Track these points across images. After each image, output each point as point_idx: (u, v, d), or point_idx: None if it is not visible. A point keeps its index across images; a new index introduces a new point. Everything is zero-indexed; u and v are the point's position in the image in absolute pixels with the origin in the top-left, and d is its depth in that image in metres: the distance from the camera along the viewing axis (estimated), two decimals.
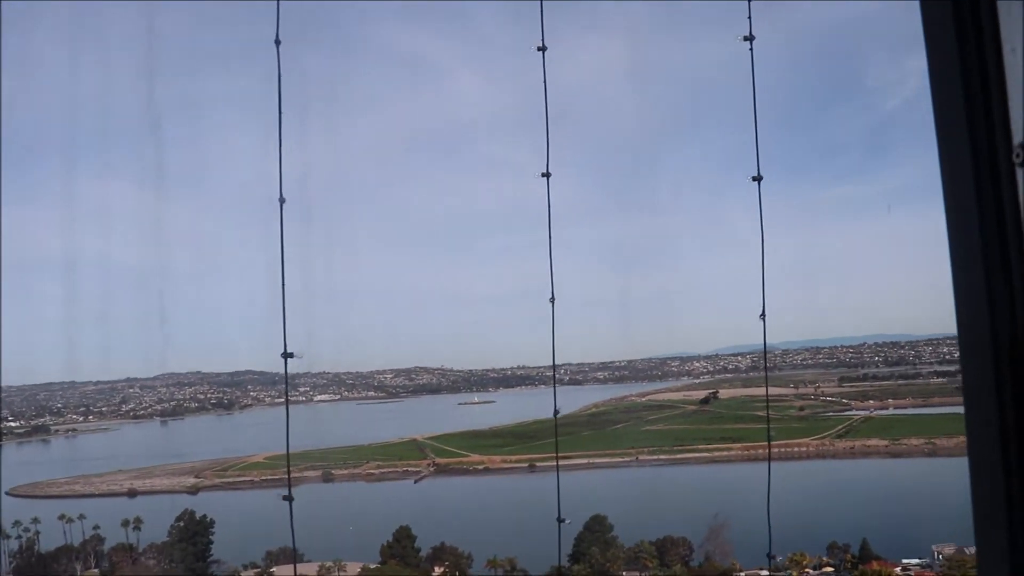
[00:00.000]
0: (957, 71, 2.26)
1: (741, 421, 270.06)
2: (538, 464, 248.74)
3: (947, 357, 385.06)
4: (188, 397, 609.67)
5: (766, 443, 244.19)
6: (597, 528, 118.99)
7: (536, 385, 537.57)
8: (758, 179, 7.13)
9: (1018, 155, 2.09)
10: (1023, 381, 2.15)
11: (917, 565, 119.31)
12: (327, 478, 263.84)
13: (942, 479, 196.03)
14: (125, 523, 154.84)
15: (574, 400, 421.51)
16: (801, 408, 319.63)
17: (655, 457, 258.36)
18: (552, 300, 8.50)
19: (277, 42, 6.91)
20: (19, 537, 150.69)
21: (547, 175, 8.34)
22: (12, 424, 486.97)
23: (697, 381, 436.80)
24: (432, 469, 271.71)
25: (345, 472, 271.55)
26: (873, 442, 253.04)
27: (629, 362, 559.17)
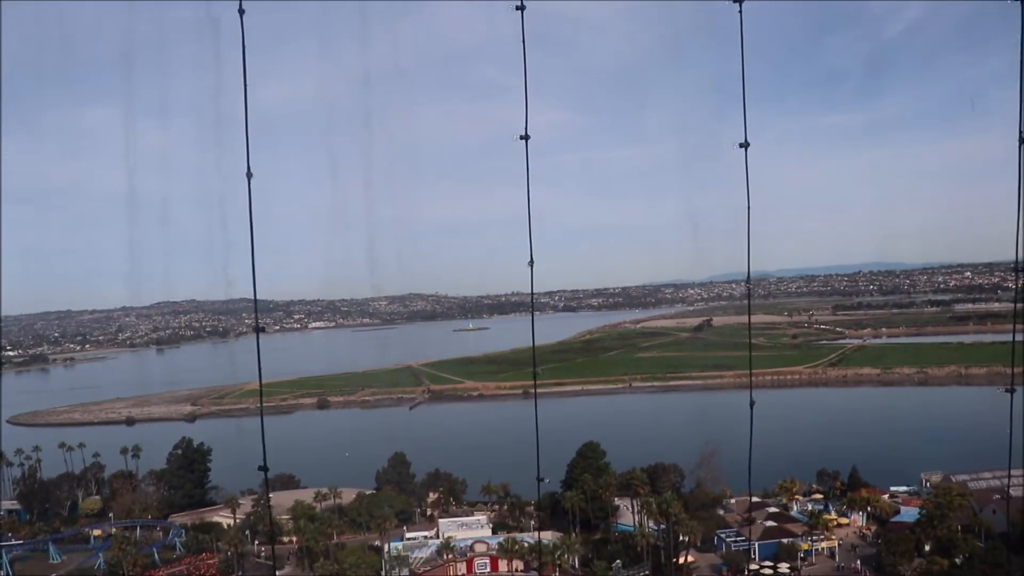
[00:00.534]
0: None
1: (734, 349, 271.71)
2: (532, 391, 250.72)
3: (941, 286, 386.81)
4: (184, 325, 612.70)
5: (757, 371, 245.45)
6: (590, 455, 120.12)
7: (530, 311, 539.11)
8: (745, 145, 6.82)
9: None
10: None
11: (905, 492, 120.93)
12: (322, 405, 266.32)
13: (932, 408, 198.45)
14: (124, 451, 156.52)
15: (568, 327, 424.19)
16: (795, 336, 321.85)
17: (648, 384, 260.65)
18: (530, 246, 8.27)
19: (241, 11, 6.59)
20: (21, 465, 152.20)
21: (526, 136, 8.03)
22: (11, 354, 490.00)
23: (691, 308, 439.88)
24: (427, 395, 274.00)
25: (340, 399, 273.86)
26: (866, 370, 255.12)
27: (623, 288, 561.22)
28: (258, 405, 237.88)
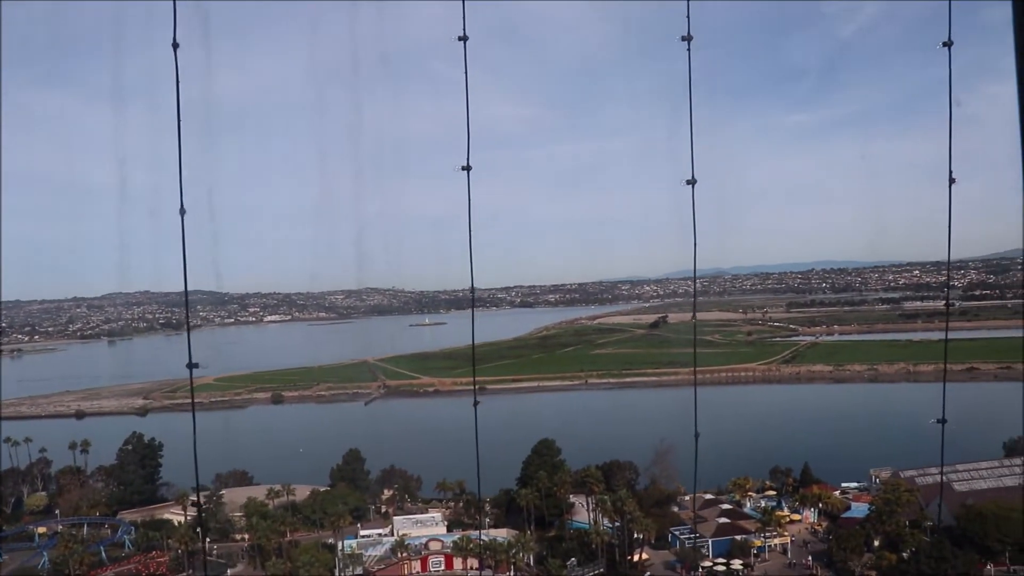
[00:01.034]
0: None
1: (690, 345, 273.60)
2: (488, 387, 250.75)
3: (892, 284, 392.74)
4: (136, 317, 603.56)
5: (712, 368, 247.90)
6: (545, 452, 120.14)
7: (488, 307, 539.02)
8: (692, 182, 6.62)
9: None
10: None
11: (855, 488, 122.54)
12: (277, 400, 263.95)
13: (882, 405, 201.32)
14: (73, 445, 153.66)
15: (525, 322, 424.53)
16: (749, 333, 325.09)
17: (604, 381, 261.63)
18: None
19: (175, 45, 6.22)
20: None
21: (467, 169, 7.72)
22: None
23: (647, 305, 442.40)
24: (382, 391, 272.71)
25: (295, 394, 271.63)
26: (818, 367, 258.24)
27: (581, 285, 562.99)
28: (212, 400, 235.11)
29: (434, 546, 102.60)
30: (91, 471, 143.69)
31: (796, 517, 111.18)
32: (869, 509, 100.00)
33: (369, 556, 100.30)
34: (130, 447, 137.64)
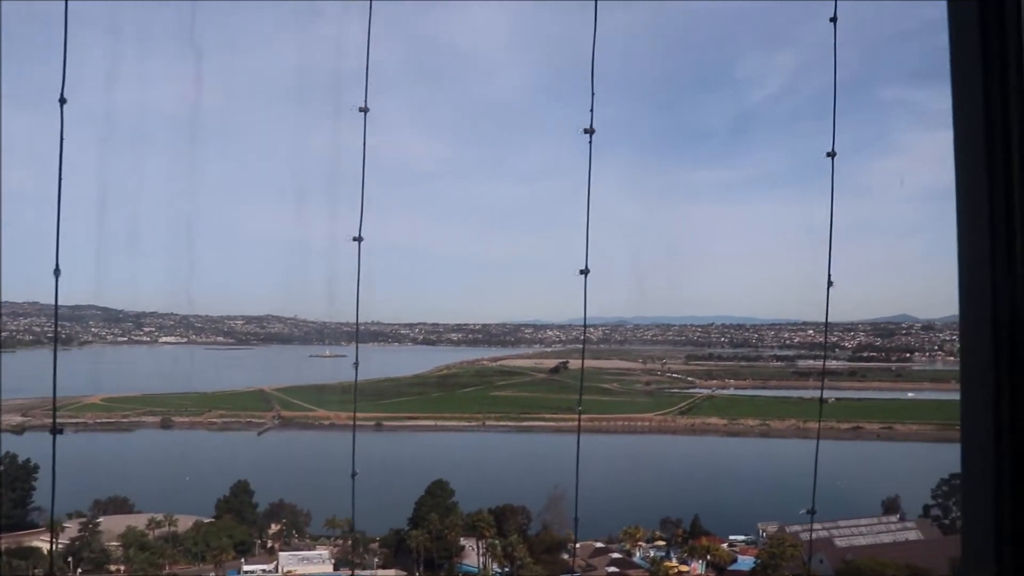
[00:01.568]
0: (979, 70, 2.15)
1: (588, 392, 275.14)
2: (385, 423, 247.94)
3: (786, 342, 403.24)
4: (22, 329, 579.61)
5: (608, 416, 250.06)
6: (439, 493, 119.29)
7: (390, 342, 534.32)
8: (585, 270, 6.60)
9: None
10: (1018, 375, 2.25)
11: (743, 541, 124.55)
12: (166, 424, 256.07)
13: (772, 459, 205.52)
14: None
15: (426, 360, 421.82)
16: (647, 383, 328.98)
17: (502, 423, 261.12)
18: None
19: (62, 101, 5.79)
20: None
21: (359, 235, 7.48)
22: None
23: (549, 349, 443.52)
24: (277, 422, 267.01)
25: (186, 420, 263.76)
26: (713, 420, 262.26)
27: (484, 325, 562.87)
28: (98, 420, 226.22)
29: None
30: None
31: (684, 568, 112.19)
32: (755, 562, 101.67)
33: None
34: (1, 467, 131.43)
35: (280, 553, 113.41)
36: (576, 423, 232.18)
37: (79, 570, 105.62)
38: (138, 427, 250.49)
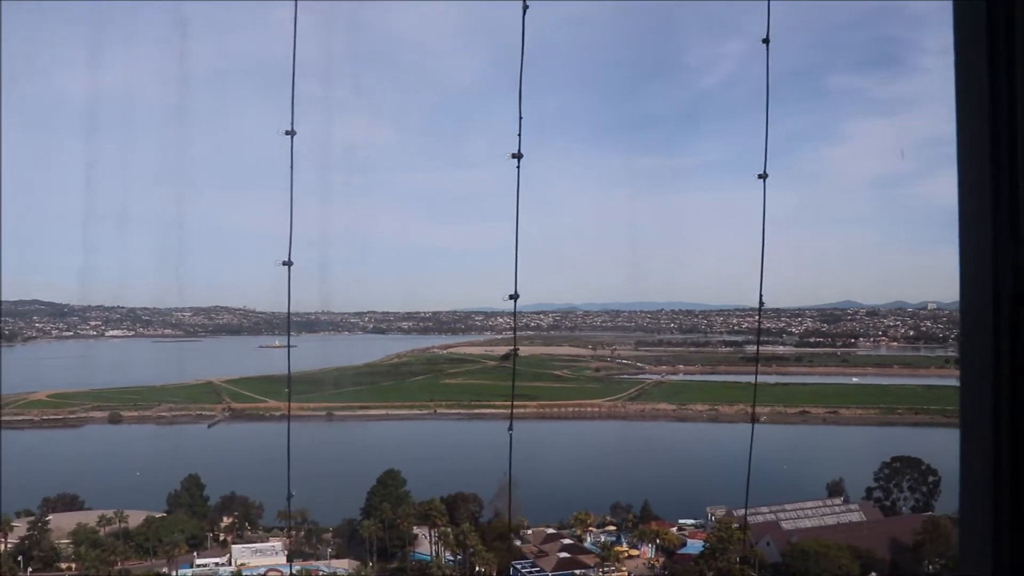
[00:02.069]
0: (984, 68, 2.34)
1: (539, 379, 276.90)
2: (336, 413, 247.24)
3: (735, 328, 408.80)
4: None
5: (559, 403, 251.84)
6: (390, 483, 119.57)
7: (340, 331, 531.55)
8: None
9: None
10: (1018, 361, 2.25)
11: (692, 525, 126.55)
12: (114, 419, 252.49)
13: (720, 444, 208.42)
14: None
15: (377, 349, 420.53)
16: (597, 369, 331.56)
17: (453, 411, 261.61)
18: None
19: None
20: None
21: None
22: None
23: (500, 337, 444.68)
24: (227, 414, 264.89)
25: (135, 414, 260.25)
26: (662, 406, 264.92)
27: (434, 313, 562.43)
28: (45, 417, 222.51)
29: None
30: None
31: (634, 552, 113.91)
32: (703, 546, 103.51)
33: None
34: None
35: (233, 546, 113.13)
36: (527, 410, 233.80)
37: (29, 569, 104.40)
38: (86, 423, 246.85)
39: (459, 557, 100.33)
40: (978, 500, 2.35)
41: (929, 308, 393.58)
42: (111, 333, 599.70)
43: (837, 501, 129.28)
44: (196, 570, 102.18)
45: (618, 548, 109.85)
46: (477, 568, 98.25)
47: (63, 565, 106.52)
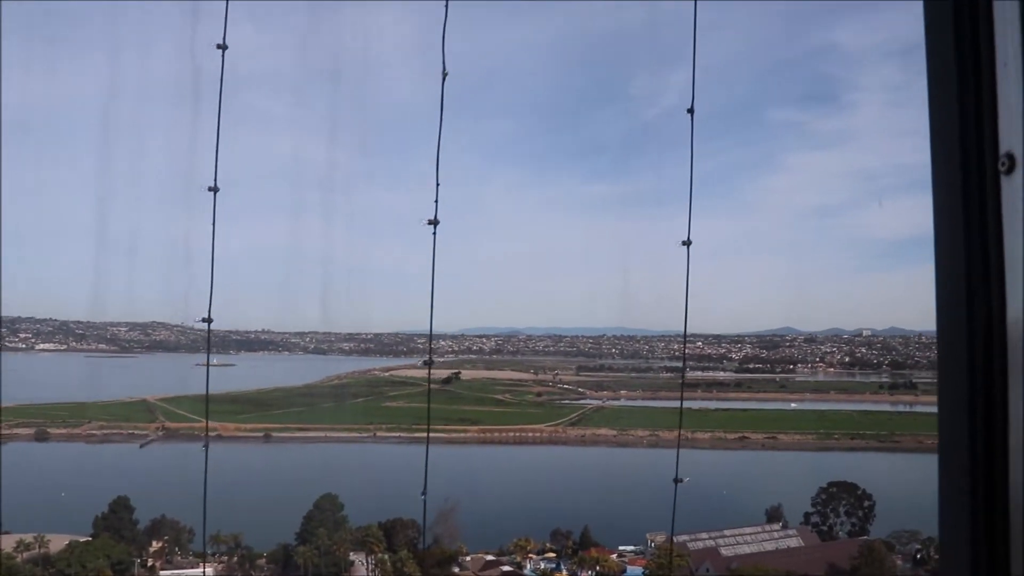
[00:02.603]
0: (954, 77, 2.38)
1: (480, 403, 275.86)
2: (274, 435, 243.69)
3: (676, 353, 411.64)
4: None
5: (501, 427, 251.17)
6: (327, 507, 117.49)
7: (280, 351, 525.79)
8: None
9: (1003, 163, 2.22)
10: (993, 383, 2.25)
11: (632, 552, 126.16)
12: (40, 437, 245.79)
13: (660, 469, 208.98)
14: None
15: (317, 370, 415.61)
16: (539, 394, 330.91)
17: (393, 435, 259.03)
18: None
19: None
20: None
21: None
22: None
23: (442, 360, 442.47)
24: (161, 433, 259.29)
25: (63, 431, 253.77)
26: (603, 431, 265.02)
27: (376, 335, 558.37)
28: None
29: None
30: None
31: None
32: (643, 573, 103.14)
33: None
34: None
35: (161, 572, 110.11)
36: (468, 435, 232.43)
37: None
38: (10, 440, 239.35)
39: None
40: (956, 524, 2.40)
41: (864, 335, 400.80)
42: (42, 347, 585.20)
43: (776, 526, 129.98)
44: None
45: (558, 575, 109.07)
46: None
47: None
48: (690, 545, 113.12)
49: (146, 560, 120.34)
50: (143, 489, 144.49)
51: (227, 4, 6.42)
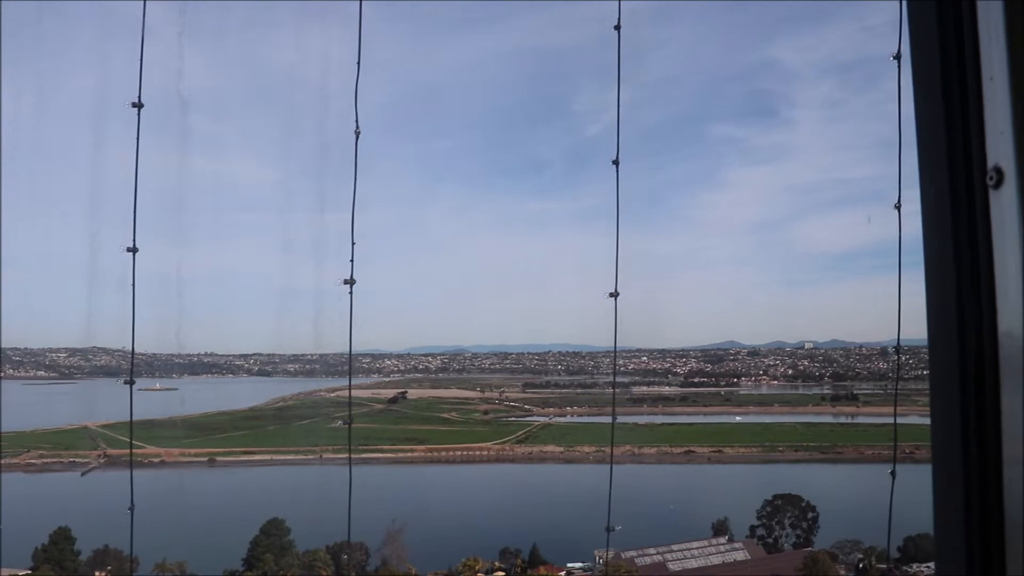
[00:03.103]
0: (940, 92, 2.39)
1: (427, 422, 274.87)
2: (219, 459, 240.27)
3: (621, 369, 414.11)
4: None
5: (448, 446, 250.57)
6: (274, 532, 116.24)
7: (224, 374, 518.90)
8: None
9: (991, 177, 2.20)
10: (985, 395, 2.27)
11: (580, 569, 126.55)
12: None
13: (607, 486, 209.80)
14: None
15: (262, 392, 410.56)
16: (486, 412, 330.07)
17: (340, 456, 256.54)
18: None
19: None
20: None
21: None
22: None
23: (388, 379, 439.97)
24: (103, 461, 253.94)
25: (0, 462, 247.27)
26: (550, 448, 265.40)
27: (321, 356, 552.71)
28: None
29: None
30: None
31: None
32: None
33: None
34: None
35: None
36: (416, 454, 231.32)
37: None
38: None
39: None
40: (951, 535, 2.40)
41: (806, 347, 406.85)
42: None
43: (722, 540, 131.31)
44: None
45: None
46: None
47: None
48: (638, 560, 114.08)
49: None
50: (85, 519, 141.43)
51: (140, 65, 6.64)
